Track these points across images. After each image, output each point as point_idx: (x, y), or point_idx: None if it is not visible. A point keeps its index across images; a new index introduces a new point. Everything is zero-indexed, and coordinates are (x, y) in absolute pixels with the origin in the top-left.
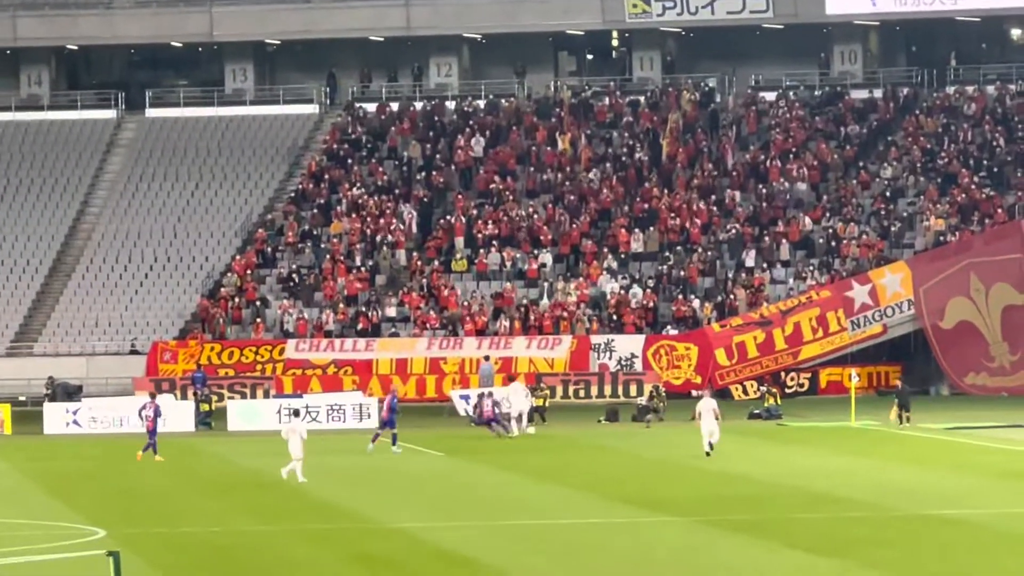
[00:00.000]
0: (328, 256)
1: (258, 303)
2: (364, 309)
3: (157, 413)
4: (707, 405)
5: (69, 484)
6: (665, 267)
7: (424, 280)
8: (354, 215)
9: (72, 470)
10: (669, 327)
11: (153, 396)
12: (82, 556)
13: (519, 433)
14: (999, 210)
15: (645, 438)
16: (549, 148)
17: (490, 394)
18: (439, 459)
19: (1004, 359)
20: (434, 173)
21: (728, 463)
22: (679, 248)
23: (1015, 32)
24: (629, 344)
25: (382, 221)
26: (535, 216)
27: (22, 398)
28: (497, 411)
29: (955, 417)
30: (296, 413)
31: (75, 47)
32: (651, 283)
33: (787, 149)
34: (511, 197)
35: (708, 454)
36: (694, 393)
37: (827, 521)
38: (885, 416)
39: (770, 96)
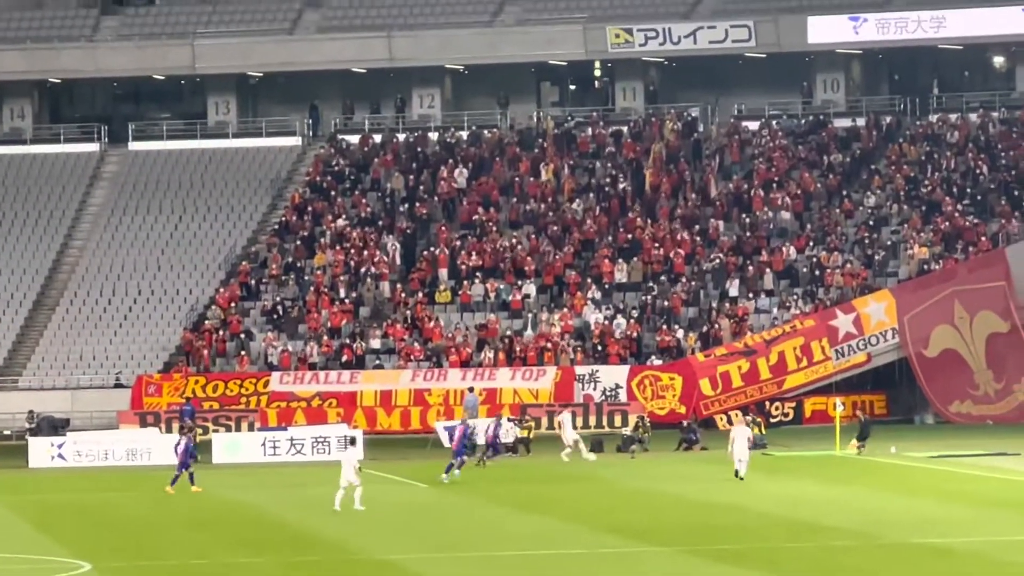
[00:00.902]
0: (312, 288)
1: (242, 336)
2: (348, 341)
3: (187, 447)
4: (741, 432)
5: (54, 518)
6: (649, 297)
7: (408, 312)
8: (338, 247)
9: (57, 504)
10: (653, 357)
11: (184, 430)
12: None
13: (583, 456)
14: (983, 238)
15: (630, 468)
16: (532, 179)
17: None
18: (424, 491)
19: (989, 387)
20: (417, 204)
21: (713, 493)
22: (663, 278)
23: (997, 60)
24: (613, 375)
25: (366, 253)
26: (519, 247)
27: (6, 432)
28: (497, 439)
29: (940, 446)
30: (352, 442)
31: (58, 80)
32: (635, 313)
33: (770, 178)
34: (494, 228)
35: (741, 478)
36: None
37: (813, 550)
38: (869, 445)
39: (753, 125)
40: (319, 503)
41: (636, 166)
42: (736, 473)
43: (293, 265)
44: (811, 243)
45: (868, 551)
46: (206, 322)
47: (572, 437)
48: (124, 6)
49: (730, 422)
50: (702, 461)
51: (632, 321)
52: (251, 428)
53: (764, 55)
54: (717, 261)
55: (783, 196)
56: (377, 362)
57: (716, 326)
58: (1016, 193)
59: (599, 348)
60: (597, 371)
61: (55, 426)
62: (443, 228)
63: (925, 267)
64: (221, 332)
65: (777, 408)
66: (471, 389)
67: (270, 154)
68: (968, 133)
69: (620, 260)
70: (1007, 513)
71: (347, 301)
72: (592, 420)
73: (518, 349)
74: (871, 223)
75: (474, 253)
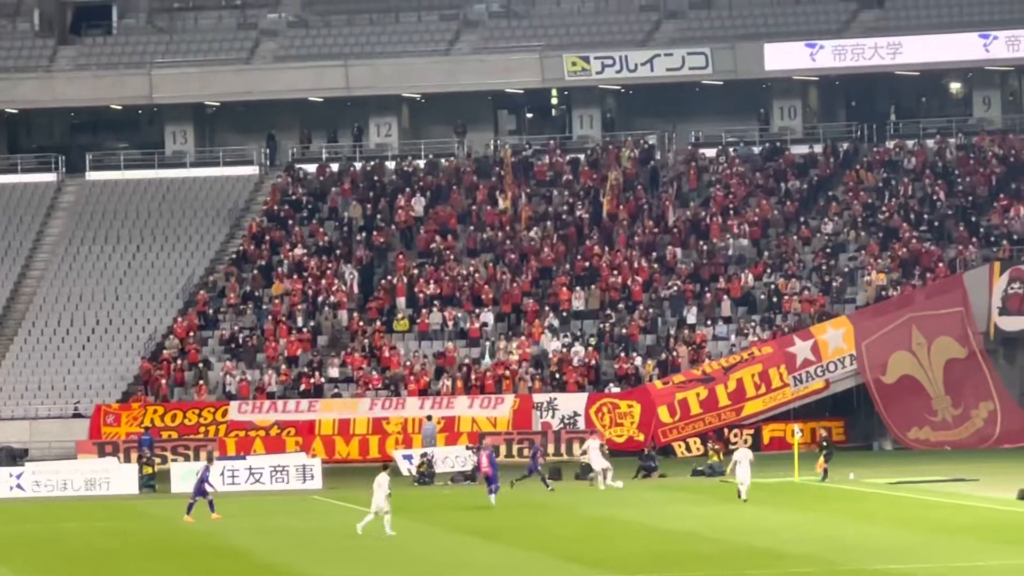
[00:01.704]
0: (270, 317)
1: (200, 365)
2: (306, 370)
3: (205, 476)
4: (743, 455)
5: (13, 549)
6: (607, 325)
7: (366, 340)
8: (295, 276)
9: (16, 534)
10: (611, 385)
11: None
12: None
13: (604, 488)
14: (940, 264)
15: (589, 496)
16: (490, 207)
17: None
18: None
19: (947, 413)
20: (375, 233)
21: (672, 520)
22: (621, 306)
23: (954, 86)
24: (571, 402)
25: (323, 282)
26: (476, 275)
27: None
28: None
29: (899, 472)
30: (385, 467)
31: (15, 111)
32: (593, 341)
33: (728, 205)
34: (452, 256)
35: (744, 500)
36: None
37: None
38: (829, 472)
39: (710, 152)
40: (278, 532)
41: (593, 194)
42: (739, 494)
43: (251, 294)
44: (769, 270)
45: None
46: (164, 351)
47: (602, 465)
48: (81, 36)
49: (688, 449)
50: (661, 488)
51: (590, 349)
52: (209, 458)
53: (721, 82)
54: (675, 288)
55: (740, 223)
56: (335, 391)
57: (674, 353)
58: (973, 219)
59: (557, 376)
60: (555, 399)
61: (13, 456)
62: (401, 256)
63: (883, 293)
64: (179, 361)
65: (736, 435)
66: (429, 417)
67: (227, 183)
68: (925, 159)
69: (578, 288)
70: (965, 539)
71: (305, 330)
72: (551, 448)
73: (475, 377)
74: (828, 250)
75: (432, 281)
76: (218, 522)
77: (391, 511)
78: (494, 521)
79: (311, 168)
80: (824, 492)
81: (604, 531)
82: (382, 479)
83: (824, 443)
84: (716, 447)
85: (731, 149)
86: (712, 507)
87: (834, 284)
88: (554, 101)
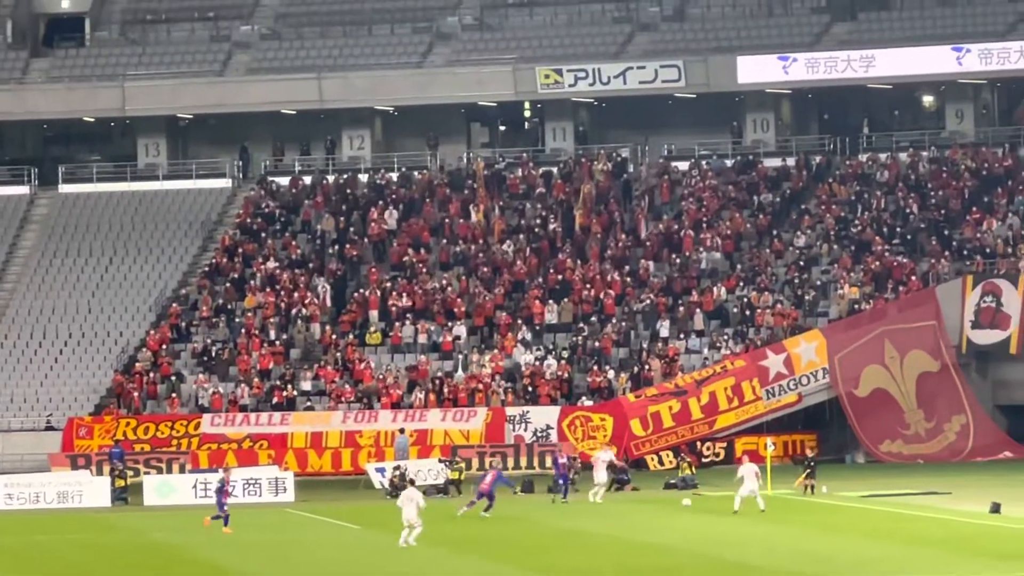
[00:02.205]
0: (242, 330)
1: (173, 378)
2: (279, 383)
3: (220, 488)
4: (749, 470)
5: None
6: (580, 338)
7: (339, 354)
8: (268, 289)
9: None
10: (584, 398)
11: (226, 470)
12: None
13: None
14: (913, 277)
15: (561, 509)
16: (462, 220)
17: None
18: (356, 532)
19: (919, 426)
20: (348, 246)
21: (645, 533)
22: (593, 319)
23: (927, 99)
24: (544, 415)
25: (296, 295)
26: (449, 288)
27: None
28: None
29: (871, 485)
30: (412, 482)
31: None
32: (566, 354)
33: (700, 218)
34: (424, 269)
35: (762, 510)
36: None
37: None
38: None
39: (683, 165)
40: (250, 545)
41: (566, 207)
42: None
43: (224, 307)
44: (741, 283)
45: None
46: (137, 364)
47: (602, 479)
48: (54, 48)
49: (661, 462)
50: (633, 501)
51: (563, 362)
52: (182, 470)
53: (694, 95)
54: (648, 302)
55: (713, 236)
56: (308, 404)
57: (647, 367)
58: (946, 232)
59: (530, 389)
60: (528, 412)
61: None
62: (373, 270)
63: (855, 307)
64: (152, 374)
65: (708, 448)
66: (402, 431)
67: (200, 196)
68: (898, 172)
69: (551, 301)
70: (938, 552)
71: (278, 343)
72: (523, 461)
73: (448, 390)
74: (801, 263)
75: (404, 295)
76: (193, 535)
77: (421, 526)
78: (468, 533)
79: (284, 181)
80: (796, 505)
81: (577, 543)
82: (412, 494)
83: (809, 461)
84: (688, 460)
85: (704, 162)
86: (684, 520)
87: (807, 298)
88: (527, 114)
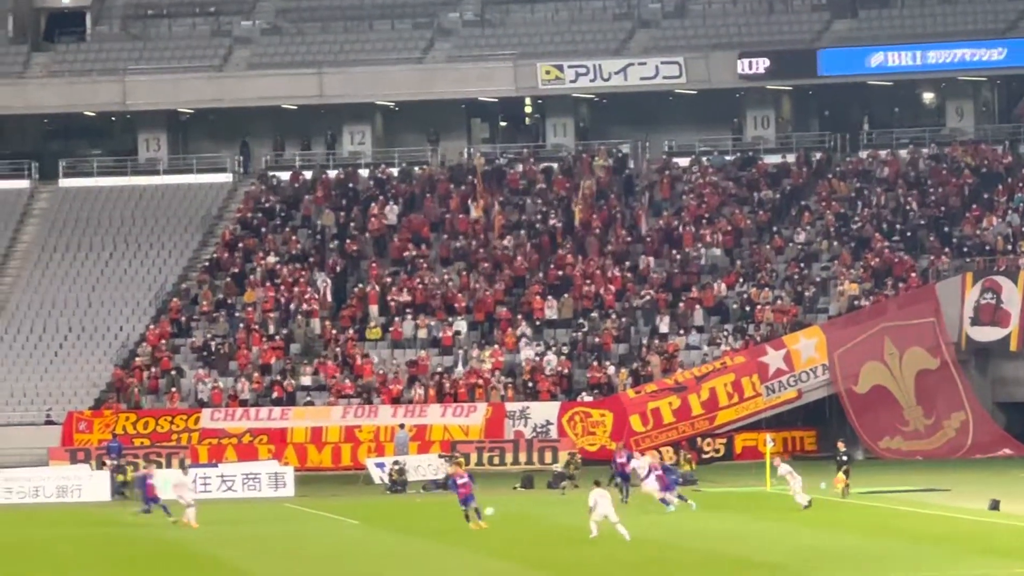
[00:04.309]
0: (242, 325)
1: (173, 372)
2: (279, 378)
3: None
4: (786, 469)
5: None
6: (580, 334)
7: (339, 349)
8: (268, 284)
9: None
10: (584, 394)
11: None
12: None
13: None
14: (912, 274)
15: (561, 505)
16: (463, 215)
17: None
18: (355, 527)
19: (919, 423)
20: (348, 241)
21: (644, 529)
22: (594, 314)
23: (927, 96)
24: (544, 411)
25: (296, 290)
26: (449, 283)
27: None
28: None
29: (870, 481)
30: (597, 483)
31: None
32: (566, 350)
33: (701, 214)
34: (425, 265)
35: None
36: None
37: None
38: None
39: (683, 162)
40: (250, 540)
41: (567, 202)
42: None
43: (224, 302)
44: (741, 279)
45: None
46: (137, 359)
47: (652, 487)
48: (55, 43)
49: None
50: (633, 497)
51: (563, 357)
52: (182, 465)
53: (694, 91)
54: (648, 297)
55: (713, 232)
56: (308, 399)
57: (647, 362)
58: (946, 229)
59: (530, 385)
60: (528, 408)
61: None
62: (374, 265)
63: (855, 303)
64: (152, 369)
65: (708, 444)
66: (402, 426)
67: (201, 191)
68: (898, 169)
69: (551, 296)
70: (937, 548)
71: (278, 338)
72: (523, 456)
73: (448, 385)
74: (801, 259)
75: (405, 290)
76: (189, 529)
77: (619, 521)
78: (465, 530)
79: (284, 176)
80: (795, 502)
81: (575, 539)
82: (599, 491)
83: (843, 458)
84: (688, 456)
85: (704, 158)
86: (684, 516)
87: (807, 294)
88: (528, 110)
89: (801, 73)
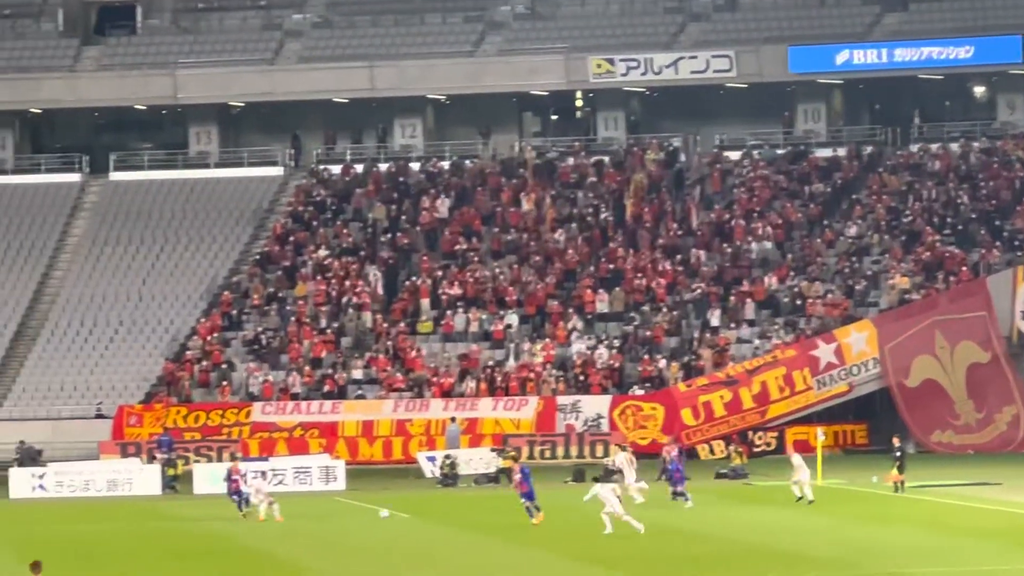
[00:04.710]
0: (294, 318)
1: (224, 366)
2: (330, 371)
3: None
4: (798, 460)
5: (36, 550)
6: (631, 327)
7: (390, 342)
8: (319, 277)
9: (38, 535)
10: (635, 387)
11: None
12: None
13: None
14: (964, 268)
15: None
16: (514, 208)
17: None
18: (406, 521)
19: (970, 417)
20: (399, 234)
21: (694, 522)
22: (645, 308)
23: (978, 90)
24: (595, 404)
25: (347, 283)
26: (501, 277)
27: None
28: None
29: (921, 475)
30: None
31: (39, 110)
32: (617, 343)
33: (752, 208)
34: (476, 258)
35: (810, 501)
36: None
37: None
38: (851, 474)
39: (734, 155)
40: (301, 534)
41: (617, 196)
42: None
43: (275, 295)
44: (792, 273)
45: None
46: (187, 352)
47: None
48: (105, 36)
49: (712, 452)
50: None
51: (614, 351)
52: (233, 459)
53: (745, 85)
54: (699, 291)
55: (764, 226)
56: (359, 392)
57: (698, 356)
58: (997, 223)
59: (581, 378)
60: (579, 401)
61: (31, 456)
62: (425, 258)
63: (906, 297)
64: (203, 362)
65: (760, 438)
66: (453, 419)
67: (252, 184)
68: (949, 163)
69: (602, 290)
70: (988, 543)
71: (329, 331)
72: (574, 450)
73: (500, 379)
74: (852, 253)
75: (456, 283)
76: (242, 523)
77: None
78: (515, 522)
79: (336, 169)
80: (846, 495)
81: (625, 532)
82: (602, 488)
83: (898, 452)
84: (739, 450)
85: (755, 152)
86: (734, 509)
87: (857, 288)
88: (579, 103)
89: (850, 67)
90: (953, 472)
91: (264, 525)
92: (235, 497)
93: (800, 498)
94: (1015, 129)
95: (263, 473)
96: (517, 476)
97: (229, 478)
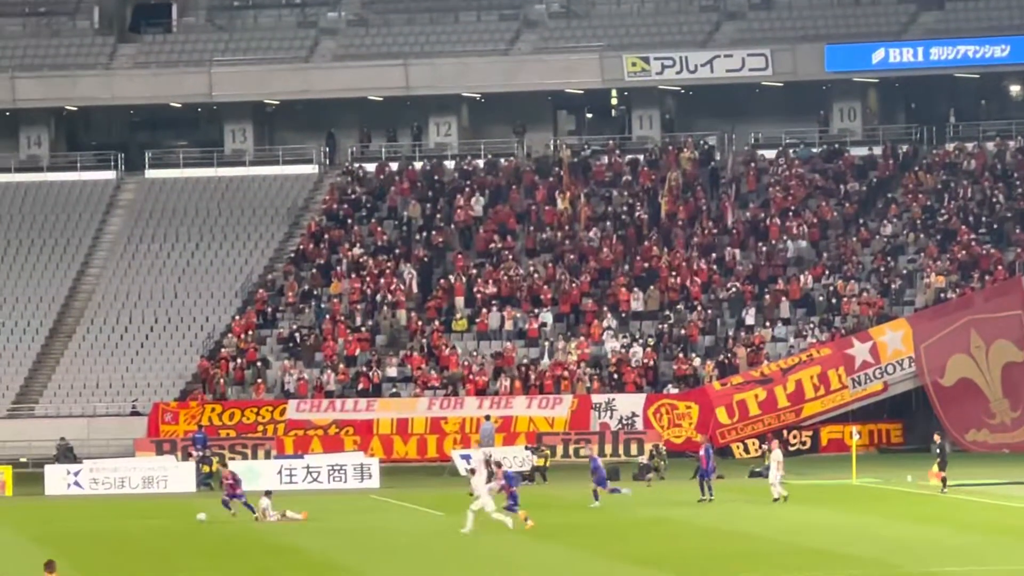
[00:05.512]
0: (328, 316)
1: (259, 363)
2: (365, 369)
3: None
4: (777, 456)
5: (72, 547)
6: (665, 325)
7: (424, 340)
8: (354, 275)
9: (74, 532)
10: (670, 386)
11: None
12: None
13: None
14: (999, 267)
15: (646, 496)
16: (548, 207)
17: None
18: (440, 519)
19: (1005, 416)
20: (434, 233)
21: (729, 521)
22: (679, 306)
23: (1014, 89)
24: (630, 403)
25: (382, 281)
26: (535, 275)
27: (23, 460)
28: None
29: (956, 474)
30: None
31: (74, 108)
32: (652, 342)
33: (787, 207)
34: (511, 256)
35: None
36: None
37: None
38: (886, 474)
39: (770, 154)
40: (336, 532)
41: (652, 194)
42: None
43: (310, 293)
44: (827, 272)
45: None
46: (222, 350)
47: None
48: (141, 34)
49: (746, 450)
50: (718, 489)
51: (648, 349)
52: (267, 456)
53: (781, 83)
54: (734, 290)
55: (799, 225)
56: (394, 390)
57: (732, 354)
58: None
59: (615, 376)
60: (613, 399)
61: (66, 453)
62: (460, 256)
63: (942, 296)
64: (238, 360)
65: (795, 436)
66: (487, 417)
67: (287, 182)
68: (985, 162)
69: (637, 288)
70: (1022, 542)
71: (364, 329)
72: (608, 448)
73: (534, 377)
74: (888, 252)
75: (491, 281)
76: (264, 522)
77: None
78: (552, 521)
79: (370, 167)
80: (881, 494)
81: (661, 531)
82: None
83: (939, 450)
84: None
85: (791, 151)
86: (769, 508)
87: (893, 286)
88: (614, 101)
89: (885, 65)
90: (988, 471)
91: (299, 522)
92: (227, 501)
93: (776, 499)
94: None
95: (293, 470)
96: (502, 481)
97: (221, 484)
